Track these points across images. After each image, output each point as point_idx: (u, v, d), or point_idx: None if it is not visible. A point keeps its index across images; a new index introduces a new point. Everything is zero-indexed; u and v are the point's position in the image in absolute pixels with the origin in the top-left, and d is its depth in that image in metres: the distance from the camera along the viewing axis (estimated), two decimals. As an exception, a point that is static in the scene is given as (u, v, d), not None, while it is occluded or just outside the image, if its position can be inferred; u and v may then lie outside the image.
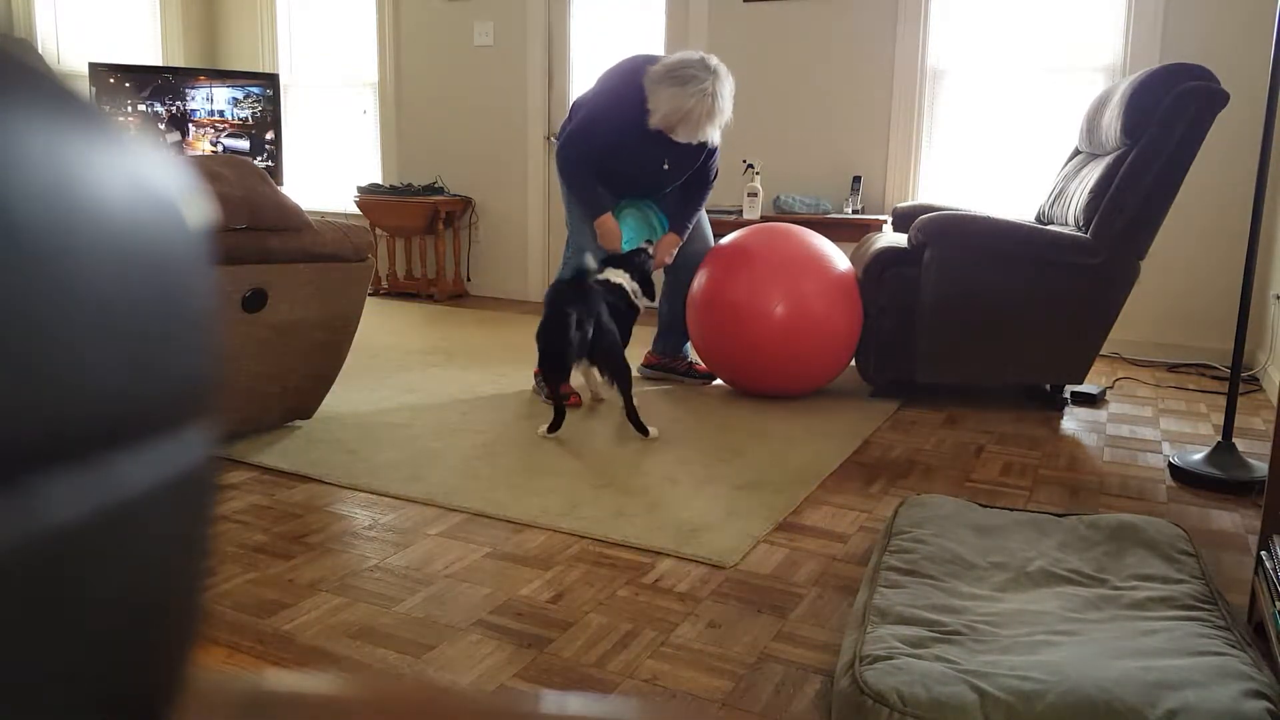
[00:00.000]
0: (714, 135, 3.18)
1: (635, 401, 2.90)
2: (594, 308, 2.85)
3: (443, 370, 3.72)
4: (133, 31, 5.96)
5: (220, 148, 5.58)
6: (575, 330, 2.76)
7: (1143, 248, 3.17)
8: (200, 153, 5.46)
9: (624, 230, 3.33)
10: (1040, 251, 3.18)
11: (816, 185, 4.84)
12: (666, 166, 3.27)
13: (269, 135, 5.67)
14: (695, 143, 3.18)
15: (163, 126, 5.42)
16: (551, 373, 2.86)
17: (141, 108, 5.36)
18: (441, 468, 2.56)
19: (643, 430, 2.87)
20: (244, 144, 5.63)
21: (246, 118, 5.62)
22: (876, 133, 4.69)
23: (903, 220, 4.03)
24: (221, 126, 5.59)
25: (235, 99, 5.58)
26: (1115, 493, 2.51)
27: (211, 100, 5.55)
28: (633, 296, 3.15)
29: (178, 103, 5.48)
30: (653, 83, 3.07)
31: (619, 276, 3.13)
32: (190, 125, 5.51)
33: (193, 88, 5.50)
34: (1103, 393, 3.55)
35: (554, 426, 2.89)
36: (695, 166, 3.34)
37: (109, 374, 0.16)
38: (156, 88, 5.38)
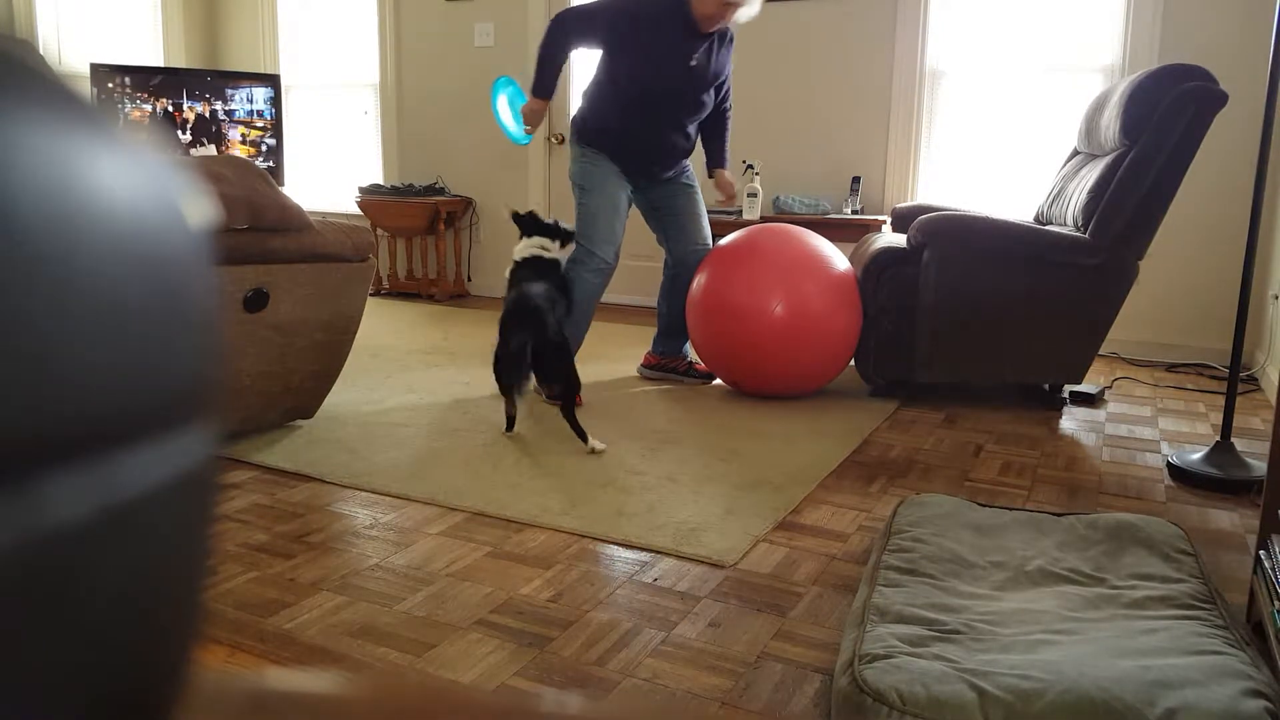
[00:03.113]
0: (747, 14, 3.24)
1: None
2: (539, 321, 2.75)
3: (443, 370, 3.72)
4: (133, 32, 5.96)
5: (264, 147, 5.61)
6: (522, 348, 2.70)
7: (1141, 248, 3.17)
8: (235, 151, 5.49)
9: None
10: (1039, 252, 3.18)
11: (816, 186, 4.84)
12: (694, 63, 3.25)
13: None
14: (726, 29, 3.23)
15: (185, 137, 5.42)
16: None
17: (150, 107, 5.37)
18: (442, 467, 2.56)
19: (581, 435, 2.73)
20: None
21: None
22: (876, 133, 4.69)
23: (902, 220, 4.03)
24: (263, 126, 5.61)
25: (271, 97, 5.60)
26: (1114, 492, 2.51)
27: (251, 100, 5.57)
28: (562, 261, 3.17)
29: (218, 103, 5.49)
30: None
31: (542, 248, 3.14)
32: (216, 127, 5.51)
33: (234, 88, 5.52)
34: (1101, 392, 3.55)
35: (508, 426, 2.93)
36: (719, 78, 3.36)
37: (110, 374, 0.16)
38: (163, 87, 5.39)
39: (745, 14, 3.19)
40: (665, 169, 3.43)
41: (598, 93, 3.28)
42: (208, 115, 5.48)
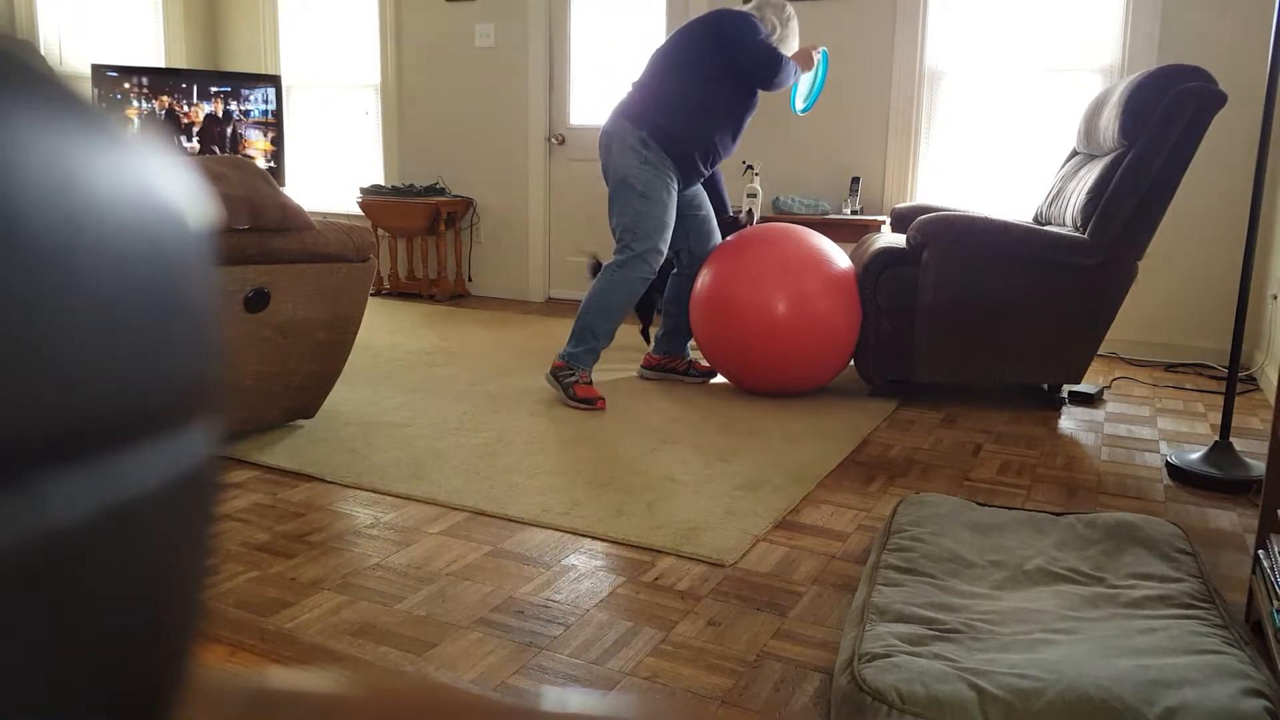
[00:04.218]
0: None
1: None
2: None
3: (444, 370, 3.73)
4: (134, 32, 5.96)
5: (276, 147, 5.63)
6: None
7: (1140, 248, 3.17)
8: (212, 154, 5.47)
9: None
10: (1038, 252, 3.18)
11: (815, 186, 4.84)
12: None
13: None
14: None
15: (193, 142, 5.41)
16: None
17: (151, 107, 5.37)
18: (443, 467, 2.56)
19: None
20: None
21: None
22: (875, 134, 4.69)
23: (901, 221, 4.04)
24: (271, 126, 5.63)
25: (273, 97, 5.62)
26: (1113, 492, 2.51)
27: (267, 100, 5.57)
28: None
29: (232, 104, 5.49)
30: (779, 19, 3.41)
31: None
32: (229, 129, 5.51)
33: (249, 88, 5.52)
34: (1100, 392, 3.55)
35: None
36: None
37: (111, 374, 0.16)
38: (163, 87, 5.39)
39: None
40: (706, 174, 3.48)
41: (690, 99, 3.25)
42: (220, 115, 5.47)
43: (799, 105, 3.61)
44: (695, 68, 3.25)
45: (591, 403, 3.18)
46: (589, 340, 3.26)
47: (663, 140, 3.24)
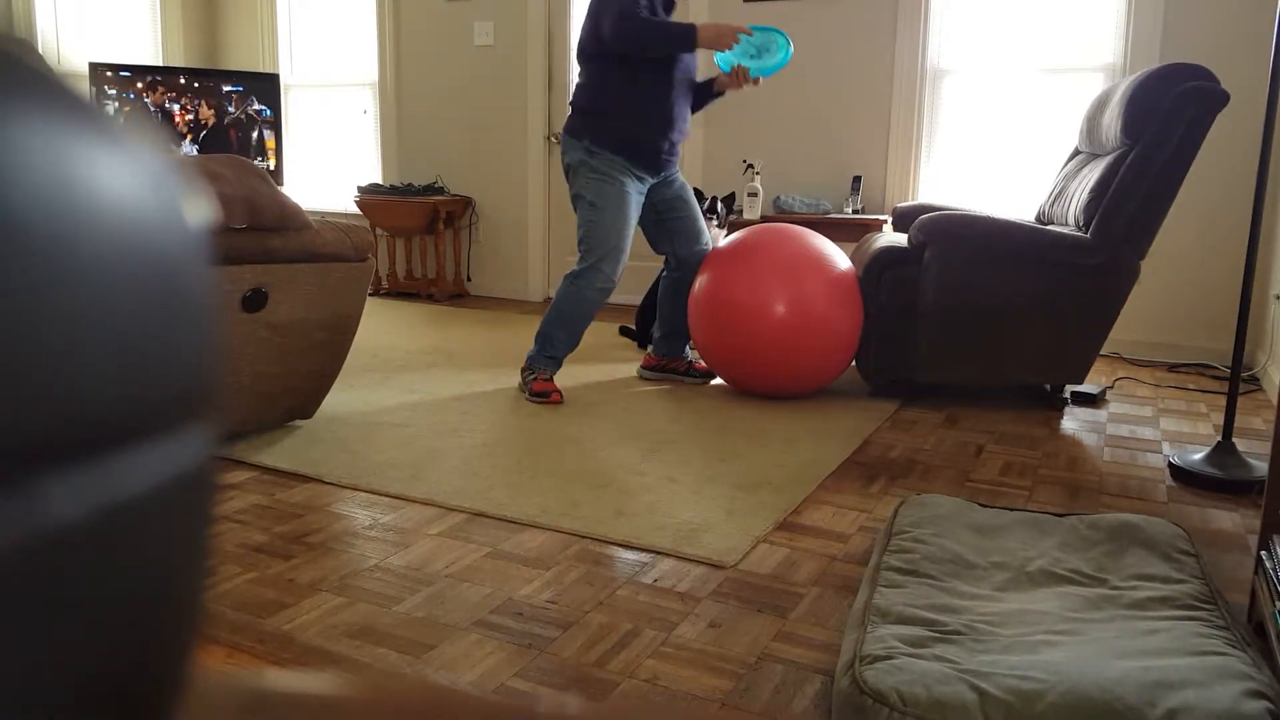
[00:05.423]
0: None
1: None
2: None
3: (443, 370, 3.72)
4: (132, 31, 5.96)
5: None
6: None
7: (1143, 248, 3.17)
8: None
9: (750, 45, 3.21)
10: (1040, 252, 3.18)
11: (816, 185, 4.84)
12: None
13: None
14: None
15: (196, 145, 5.40)
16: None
17: (148, 105, 5.36)
18: (442, 467, 2.56)
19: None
20: None
21: None
22: (876, 133, 4.69)
23: (903, 220, 4.03)
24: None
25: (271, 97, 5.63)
26: (1115, 492, 2.51)
27: (274, 97, 5.59)
28: None
29: (249, 103, 5.49)
30: None
31: None
32: (252, 130, 5.50)
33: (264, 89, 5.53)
34: (1103, 392, 3.55)
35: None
36: None
37: (110, 374, 0.16)
38: (166, 86, 5.38)
39: None
40: (673, 153, 3.36)
41: (604, 80, 3.18)
42: (245, 119, 5.47)
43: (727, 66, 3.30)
44: (596, 46, 3.18)
45: (545, 395, 3.25)
46: (548, 348, 3.32)
47: (605, 143, 3.20)
